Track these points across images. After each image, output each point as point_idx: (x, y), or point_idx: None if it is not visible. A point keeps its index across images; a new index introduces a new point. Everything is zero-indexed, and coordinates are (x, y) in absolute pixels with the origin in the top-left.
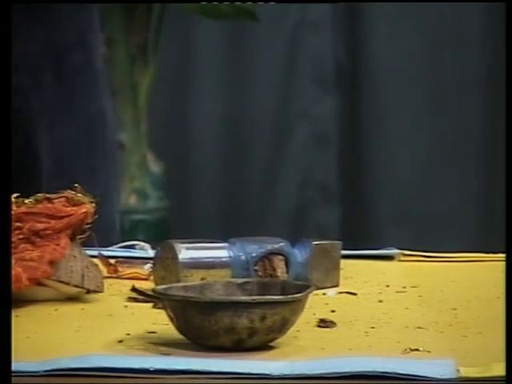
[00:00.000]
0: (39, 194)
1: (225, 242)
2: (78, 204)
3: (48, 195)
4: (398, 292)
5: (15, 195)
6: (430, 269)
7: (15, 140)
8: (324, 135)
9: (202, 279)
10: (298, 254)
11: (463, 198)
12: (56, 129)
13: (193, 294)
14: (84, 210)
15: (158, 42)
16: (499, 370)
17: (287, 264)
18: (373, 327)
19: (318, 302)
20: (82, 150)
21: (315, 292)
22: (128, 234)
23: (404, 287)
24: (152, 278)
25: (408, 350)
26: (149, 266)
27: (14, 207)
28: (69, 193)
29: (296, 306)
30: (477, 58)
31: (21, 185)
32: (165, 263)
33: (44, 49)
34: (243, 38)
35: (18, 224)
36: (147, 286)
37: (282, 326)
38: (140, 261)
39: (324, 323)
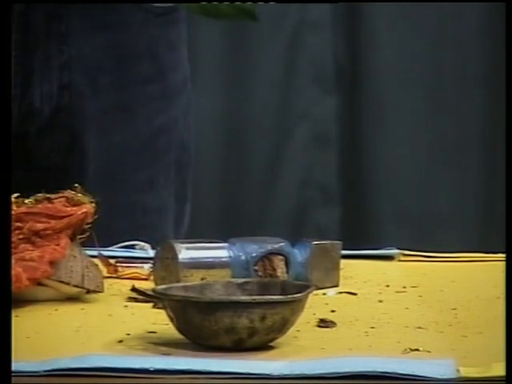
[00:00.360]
0: (39, 194)
1: (225, 242)
2: (78, 204)
3: (48, 195)
4: (397, 292)
5: (15, 195)
6: (430, 269)
7: (59, 138)
8: (324, 135)
9: (202, 279)
10: (298, 254)
11: (463, 198)
12: (110, 134)
13: (193, 294)
14: (84, 210)
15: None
16: (499, 370)
17: (287, 264)
18: (373, 327)
19: (317, 302)
20: (140, 160)
21: (315, 292)
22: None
23: (404, 287)
24: (152, 277)
25: (408, 349)
26: (149, 266)
27: (14, 207)
28: (69, 193)
29: (296, 306)
30: (477, 58)
31: (58, 182)
32: (165, 263)
33: (108, 54)
34: (243, 38)
35: (18, 224)
36: (147, 285)
37: (282, 326)
38: (140, 261)
39: (324, 323)
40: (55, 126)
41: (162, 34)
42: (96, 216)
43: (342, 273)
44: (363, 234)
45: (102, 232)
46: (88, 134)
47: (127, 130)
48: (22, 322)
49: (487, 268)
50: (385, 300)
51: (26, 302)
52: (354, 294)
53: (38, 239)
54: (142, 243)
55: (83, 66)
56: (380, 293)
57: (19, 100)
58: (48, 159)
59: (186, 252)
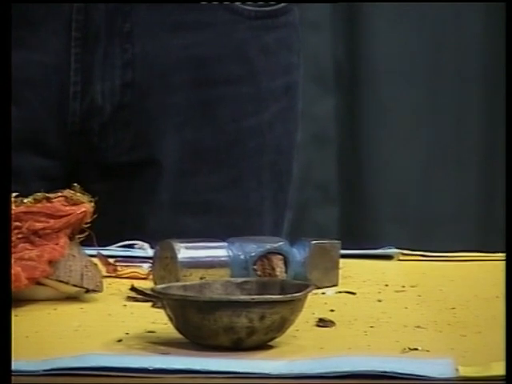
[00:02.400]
0: (38, 194)
1: (224, 241)
2: (77, 203)
3: (47, 194)
4: (397, 291)
5: (14, 194)
6: (429, 268)
7: (123, 135)
8: (323, 135)
9: (201, 278)
10: (297, 254)
11: (463, 197)
12: (183, 132)
13: (192, 294)
14: (83, 210)
15: None
16: (498, 369)
17: (286, 263)
18: (372, 326)
19: (317, 302)
20: (222, 159)
21: (314, 291)
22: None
23: (403, 286)
24: (151, 277)
25: (407, 349)
26: (148, 265)
27: (13, 206)
28: (68, 192)
29: (295, 306)
30: (477, 58)
31: (124, 178)
32: (164, 262)
33: (182, 53)
34: None
35: (17, 223)
36: (146, 285)
37: (281, 326)
38: (139, 260)
39: (323, 322)
40: (119, 123)
41: (255, 38)
42: (95, 215)
43: (341, 272)
44: (362, 234)
45: (170, 229)
46: (157, 131)
47: (205, 129)
48: (21, 321)
49: (486, 267)
50: (384, 299)
51: (25, 301)
52: (353, 293)
53: (37, 238)
54: (142, 242)
55: (151, 64)
56: (379, 292)
57: (80, 97)
58: (114, 156)
59: (185, 251)
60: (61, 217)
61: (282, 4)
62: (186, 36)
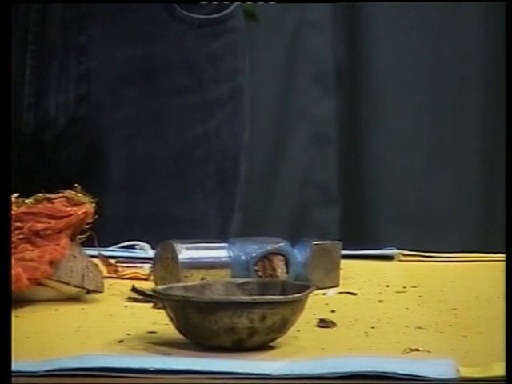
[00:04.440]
0: (39, 194)
1: (225, 242)
2: (78, 204)
3: (48, 195)
4: (397, 292)
5: (15, 195)
6: (430, 269)
7: (76, 148)
8: (324, 135)
9: (202, 279)
10: (298, 254)
11: (463, 198)
12: (134, 145)
13: (193, 294)
14: (84, 210)
15: None
16: (499, 370)
17: (287, 264)
18: (373, 327)
19: (317, 302)
20: (170, 171)
21: (315, 292)
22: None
23: (404, 287)
24: (152, 278)
25: (408, 349)
26: (149, 266)
27: (14, 207)
28: (69, 193)
29: (296, 306)
30: (477, 57)
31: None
32: (165, 263)
33: (134, 65)
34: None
35: (18, 224)
36: (147, 285)
37: (282, 326)
38: (140, 261)
39: (324, 323)
40: (72, 136)
41: (203, 46)
42: (96, 216)
43: (342, 273)
44: (363, 234)
45: (121, 243)
46: (108, 144)
47: (154, 141)
48: (22, 321)
49: (487, 268)
50: (385, 300)
51: (25, 301)
52: (354, 294)
53: (38, 239)
54: (142, 243)
55: (104, 77)
56: (380, 293)
57: (34, 109)
58: (66, 168)
59: (186, 252)
60: (62, 217)
61: (230, 9)
62: (138, 48)
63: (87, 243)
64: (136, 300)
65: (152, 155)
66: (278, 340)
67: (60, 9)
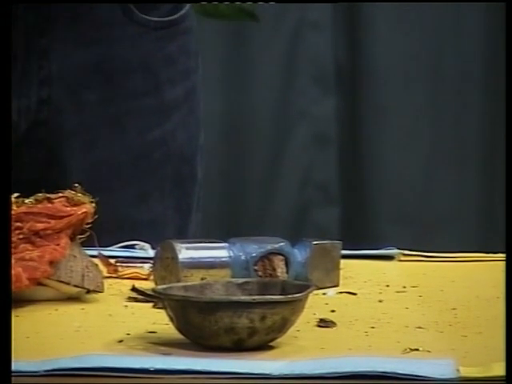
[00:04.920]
0: (39, 194)
1: (225, 242)
2: (78, 204)
3: (48, 195)
4: (397, 292)
5: (15, 195)
6: (430, 269)
7: (37, 152)
8: (324, 135)
9: (202, 279)
10: (298, 254)
11: (463, 198)
12: (94, 149)
13: (193, 294)
14: (84, 210)
15: None
16: (499, 369)
17: (287, 264)
18: (373, 327)
19: (317, 302)
20: (129, 175)
21: (315, 292)
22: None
23: (404, 287)
24: (152, 277)
25: (408, 349)
26: (149, 265)
27: (14, 207)
28: (69, 193)
29: (296, 306)
30: (477, 57)
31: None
32: (165, 263)
33: (94, 69)
34: (243, 38)
35: (18, 224)
36: (147, 285)
37: (282, 326)
38: (140, 260)
39: (324, 323)
40: (33, 141)
41: (160, 48)
42: (96, 216)
43: (342, 273)
44: (363, 234)
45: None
46: (69, 148)
47: (114, 144)
48: (22, 321)
49: (487, 268)
50: (385, 300)
51: (25, 301)
52: (354, 293)
53: (38, 239)
54: (142, 243)
55: (66, 80)
56: (380, 293)
57: None
58: (27, 173)
59: (186, 252)
60: (62, 217)
61: (183, 11)
62: (97, 51)
63: (87, 243)
64: (136, 300)
65: (111, 159)
66: (278, 340)
67: (22, 12)
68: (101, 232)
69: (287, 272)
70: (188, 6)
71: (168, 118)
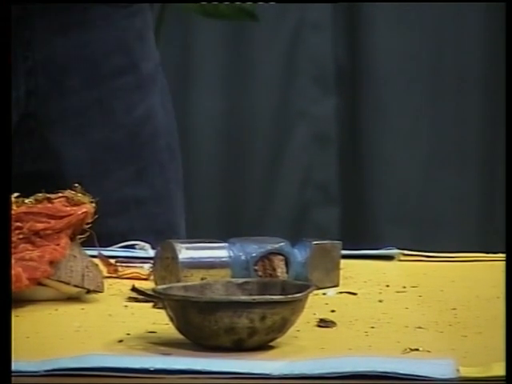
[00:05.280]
0: (39, 194)
1: (225, 242)
2: (78, 204)
3: (48, 195)
4: (397, 292)
5: (15, 195)
6: (430, 269)
7: (30, 143)
8: (324, 135)
9: (202, 279)
10: (298, 254)
11: (463, 198)
12: (87, 133)
13: (193, 294)
14: (84, 210)
15: (158, 42)
16: (499, 369)
17: (287, 264)
18: (373, 327)
19: (317, 302)
20: (125, 153)
21: (315, 292)
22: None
23: (404, 287)
24: (152, 277)
25: (408, 349)
26: (149, 265)
27: (14, 207)
28: (69, 192)
29: (296, 306)
30: (477, 57)
31: (37, 187)
32: (165, 263)
33: (75, 54)
34: (243, 38)
35: (18, 224)
36: (147, 285)
37: (282, 326)
38: (140, 260)
39: (324, 323)
40: (24, 132)
41: (130, 25)
42: (96, 216)
43: (342, 273)
44: (363, 234)
45: (100, 233)
46: (61, 136)
47: (106, 126)
48: (22, 321)
49: (487, 268)
50: (385, 300)
51: (25, 301)
52: (354, 293)
53: (38, 239)
54: (142, 243)
55: (50, 69)
56: (380, 293)
57: None
58: (20, 166)
59: (186, 252)
60: (62, 217)
61: None
62: (75, 37)
63: (87, 243)
64: (136, 300)
65: (104, 141)
66: (278, 340)
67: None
68: (104, 216)
69: (287, 272)
70: None
71: (148, 92)
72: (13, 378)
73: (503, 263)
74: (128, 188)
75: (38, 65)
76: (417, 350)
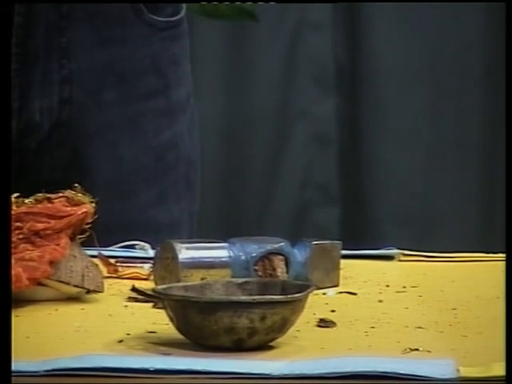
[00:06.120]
0: (39, 194)
1: (225, 242)
2: (78, 204)
3: (48, 195)
4: (397, 292)
5: (15, 195)
6: (430, 269)
7: (60, 153)
8: (324, 135)
9: (202, 279)
10: (298, 254)
11: (463, 198)
12: (115, 149)
13: (193, 294)
14: (84, 210)
15: None
16: (499, 369)
17: (287, 264)
18: (373, 327)
19: (317, 302)
20: (149, 176)
21: (315, 292)
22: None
23: (404, 287)
24: (152, 277)
25: (408, 349)
26: (149, 265)
27: (14, 207)
28: (69, 193)
29: (296, 306)
30: (477, 58)
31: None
32: (165, 263)
33: (111, 68)
34: (243, 38)
35: (18, 224)
36: (147, 285)
37: (282, 326)
38: (140, 260)
39: (324, 323)
40: (55, 141)
41: (166, 49)
42: (96, 216)
43: (342, 273)
44: (363, 234)
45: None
46: (91, 149)
47: (133, 145)
48: (22, 321)
49: (487, 268)
50: (385, 300)
51: (25, 301)
52: (354, 293)
53: (38, 239)
54: (142, 243)
55: (85, 80)
56: (380, 293)
57: (18, 114)
58: (49, 174)
59: (186, 252)
60: (62, 217)
61: (183, 13)
62: (112, 51)
63: (87, 243)
64: (136, 300)
65: (131, 160)
66: (278, 340)
67: (43, 12)
68: (126, 234)
69: (287, 272)
70: (184, 9)
71: (176, 119)
72: (13, 378)
73: (503, 263)
74: (148, 211)
75: (73, 74)
76: (417, 349)
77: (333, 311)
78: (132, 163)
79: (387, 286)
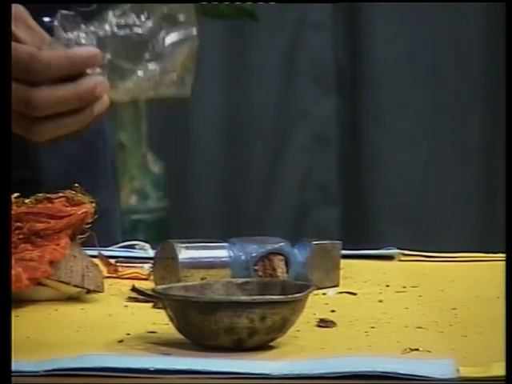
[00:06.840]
0: (39, 194)
1: (225, 242)
2: (78, 204)
3: (48, 195)
4: (397, 292)
5: (15, 195)
6: (430, 269)
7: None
8: (324, 135)
9: (202, 279)
10: (298, 254)
11: (463, 198)
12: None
13: (193, 294)
14: (84, 210)
15: None
16: (499, 369)
17: (287, 264)
18: (373, 327)
19: (318, 302)
20: (86, 167)
21: (315, 292)
22: (128, 233)
23: (404, 287)
24: (152, 277)
25: (408, 349)
26: (149, 265)
27: (14, 207)
28: (69, 193)
29: (296, 306)
30: (477, 57)
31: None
32: (165, 263)
33: None
34: (243, 38)
35: (18, 224)
36: (147, 285)
37: (282, 326)
38: (140, 260)
39: (324, 323)
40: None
41: None
42: (96, 216)
43: (342, 273)
44: (363, 234)
45: None
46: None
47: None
48: (22, 321)
49: (487, 268)
50: (385, 300)
51: (25, 301)
52: (354, 293)
53: (38, 239)
54: (142, 243)
55: None
56: (380, 293)
57: None
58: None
59: (186, 252)
60: (62, 217)
61: None
62: None
63: (87, 243)
64: (136, 300)
65: (76, 152)
66: (278, 340)
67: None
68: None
69: (287, 272)
70: None
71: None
72: (13, 378)
73: (503, 263)
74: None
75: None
76: (417, 349)
77: (333, 311)
78: (76, 155)
79: (387, 285)
